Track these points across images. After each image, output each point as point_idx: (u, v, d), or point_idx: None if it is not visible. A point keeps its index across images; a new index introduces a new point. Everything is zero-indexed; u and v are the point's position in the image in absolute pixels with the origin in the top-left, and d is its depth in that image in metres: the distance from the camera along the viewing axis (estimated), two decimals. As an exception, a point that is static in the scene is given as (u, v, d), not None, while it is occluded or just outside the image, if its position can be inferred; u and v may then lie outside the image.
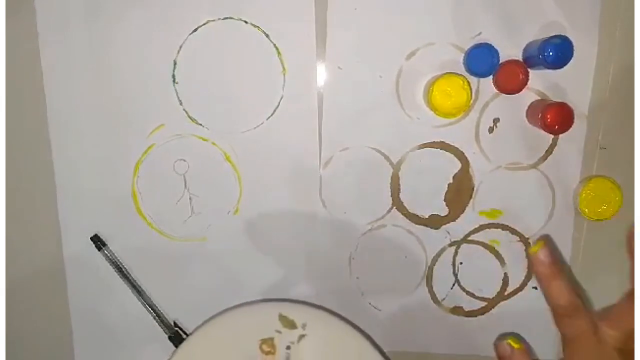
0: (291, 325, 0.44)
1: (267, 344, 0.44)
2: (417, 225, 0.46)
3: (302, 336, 0.44)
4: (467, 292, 0.47)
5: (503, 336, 0.40)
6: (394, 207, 0.46)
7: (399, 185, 0.45)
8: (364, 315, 0.48)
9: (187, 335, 0.47)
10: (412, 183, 0.45)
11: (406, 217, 0.46)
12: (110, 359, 0.49)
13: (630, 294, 0.35)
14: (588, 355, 0.36)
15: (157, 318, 0.47)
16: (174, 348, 0.47)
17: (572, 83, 0.43)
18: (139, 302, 0.47)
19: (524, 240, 0.46)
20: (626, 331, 0.35)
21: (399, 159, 0.45)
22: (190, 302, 0.48)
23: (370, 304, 0.47)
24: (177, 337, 0.47)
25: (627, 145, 0.43)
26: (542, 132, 0.42)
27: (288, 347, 0.44)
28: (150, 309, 0.47)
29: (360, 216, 0.46)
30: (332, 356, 0.44)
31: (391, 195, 0.46)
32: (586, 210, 0.43)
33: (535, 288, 0.47)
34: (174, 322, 0.48)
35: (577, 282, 0.46)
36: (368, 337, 0.44)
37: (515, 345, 0.38)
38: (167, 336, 0.47)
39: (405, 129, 0.44)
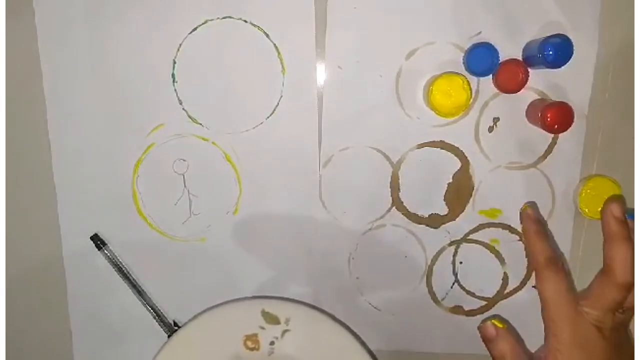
0: (274, 321, 0.45)
1: (251, 340, 0.45)
2: (416, 225, 0.47)
3: (285, 331, 0.45)
4: (467, 292, 0.48)
5: (487, 319, 0.42)
6: (394, 207, 0.46)
7: (398, 184, 0.45)
8: (364, 315, 0.48)
9: None
10: (412, 182, 0.46)
11: (406, 216, 0.46)
12: (110, 358, 0.50)
13: (603, 272, 0.37)
14: (565, 319, 0.36)
15: (156, 317, 0.47)
16: None
17: (572, 82, 0.43)
18: (139, 302, 0.47)
19: (524, 240, 0.46)
20: (604, 309, 0.36)
21: (398, 159, 0.45)
22: (190, 301, 0.48)
23: (369, 303, 0.48)
24: None
25: (627, 144, 0.44)
26: (542, 131, 0.42)
27: (272, 343, 0.45)
28: (149, 308, 0.47)
29: (359, 216, 0.47)
30: (316, 351, 0.44)
31: (391, 195, 0.46)
32: (586, 209, 0.43)
33: (535, 287, 0.47)
34: (174, 322, 0.48)
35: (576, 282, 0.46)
36: (352, 332, 0.45)
37: (500, 325, 0.40)
38: (167, 336, 0.47)
39: (405, 128, 0.45)
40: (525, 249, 0.44)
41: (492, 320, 0.40)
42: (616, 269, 0.36)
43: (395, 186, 0.45)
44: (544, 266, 0.39)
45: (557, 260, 0.39)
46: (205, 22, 0.44)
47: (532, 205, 0.44)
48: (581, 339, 0.37)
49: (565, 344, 0.37)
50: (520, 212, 0.44)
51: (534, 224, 0.41)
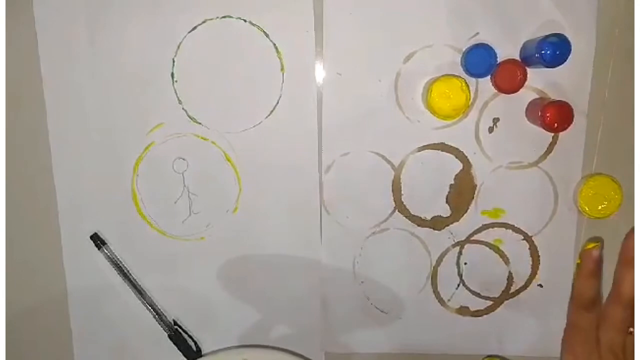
0: None
1: None
2: (420, 227, 0.48)
3: None
4: (473, 292, 0.49)
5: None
6: (397, 210, 0.48)
7: (400, 188, 0.47)
8: (370, 318, 0.50)
9: (186, 333, 0.50)
10: (414, 185, 0.48)
11: (409, 219, 0.48)
12: (110, 357, 0.52)
13: (612, 294, 0.38)
14: (585, 347, 0.36)
15: (156, 316, 0.50)
16: (173, 346, 0.49)
17: (571, 81, 0.45)
18: (138, 301, 0.49)
19: (528, 239, 0.48)
20: (616, 329, 0.36)
21: (399, 162, 0.47)
22: (190, 301, 0.50)
23: (376, 307, 0.50)
24: (176, 335, 0.50)
25: (628, 141, 0.45)
26: (543, 130, 0.43)
27: None
28: (149, 307, 0.50)
29: (363, 220, 0.48)
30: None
31: (393, 198, 0.48)
32: (586, 208, 0.44)
33: (541, 286, 0.47)
34: (174, 321, 0.50)
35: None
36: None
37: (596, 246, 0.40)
38: (166, 335, 0.50)
39: (405, 131, 0.47)
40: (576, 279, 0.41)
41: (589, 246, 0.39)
42: (623, 288, 0.37)
43: (397, 189, 0.46)
44: (583, 306, 0.39)
45: (598, 302, 0.39)
46: (205, 21, 0.46)
47: (600, 242, 0.41)
48: None
49: None
50: (584, 249, 0.40)
51: (593, 264, 0.39)
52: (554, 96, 0.45)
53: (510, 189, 0.47)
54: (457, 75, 0.43)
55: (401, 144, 0.46)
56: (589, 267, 0.39)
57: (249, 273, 0.49)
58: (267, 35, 0.45)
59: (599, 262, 0.39)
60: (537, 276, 0.48)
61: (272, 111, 0.46)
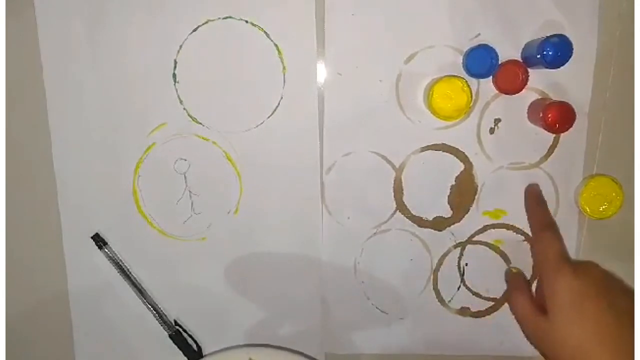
0: None
1: None
2: (421, 228, 0.49)
3: None
4: (474, 293, 0.50)
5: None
6: (398, 211, 0.48)
7: (402, 188, 0.47)
8: (371, 319, 0.50)
9: (187, 333, 0.50)
10: (415, 186, 0.48)
11: (410, 220, 0.48)
12: (111, 357, 0.52)
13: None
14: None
15: (157, 316, 0.50)
16: (174, 347, 0.50)
17: (573, 82, 0.46)
18: (140, 301, 0.50)
19: (529, 240, 0.47)
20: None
21: (401, 163, 0.47)
22: (191, 301, 0.50)
23: (377, 307, 0.50)
24: (177, 335, 0.50)
25: (629, 143, 0.46)
26: (544, 131, 0.43)
27: None
28: (150, 307, 0.50)
29: (364, 221, 0.49)
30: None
31: (394, 199, 0.48)
32: (587, 209, 0.44)
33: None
34: (175, 321, 0.50)
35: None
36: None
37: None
38: (167, 335, 0.50)
39: (407, 132, 0.47)
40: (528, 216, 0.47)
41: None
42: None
43: (398, 190, 0.46)
44: (543, 229, 0.43)
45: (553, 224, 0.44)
46: (207, 22, 0.46)
47: (536, 185, 0.47)
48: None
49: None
50: (525, 190, 0.47)
51: (536, 195, 0.46)
52: (555, 97, 0.45)
53: (512, 190, 0.47)
54: (458, 76, 0.43)
55: (402, 145, 0.47)
56: (534, 197, 0.45)
57: (250, 273, 0.49)
58: (268, 36, 0.45)
59: (539, 193, 0.45)
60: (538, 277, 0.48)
61: (273, 112, 0.47)
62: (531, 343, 0.41)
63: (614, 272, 0.39)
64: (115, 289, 0.50)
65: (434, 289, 0.49)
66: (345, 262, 0.49)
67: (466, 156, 0.47)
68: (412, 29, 0.45)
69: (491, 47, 0.43)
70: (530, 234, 0.47)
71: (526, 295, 0.41)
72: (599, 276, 0.39)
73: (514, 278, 0.45)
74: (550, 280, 0.39)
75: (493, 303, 0.49)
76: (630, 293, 0.39)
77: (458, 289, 0.49)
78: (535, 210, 0.45)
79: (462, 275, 0.49)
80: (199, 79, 0.46)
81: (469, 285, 0.49)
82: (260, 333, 0.50)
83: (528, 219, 0.46)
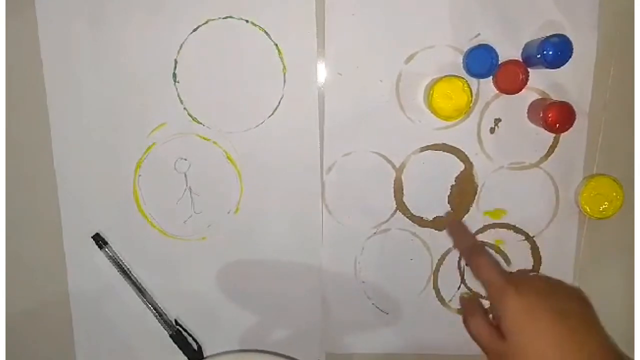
0: None
1: None
2: (421, 228, 0.49)
3: None
4: (474, 293, 0.49)
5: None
6: (398, 211, 0.49)
7: (402, 188, 0.47)
8: (372, 318, 0.50)
9: (188, 333, 0.50)
10: (416, 186, 0.48)
11: (410, 219, 0.48)
12: (111, 357, 0.52)
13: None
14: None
15: (157, 316, 0.50)
16: (175, 346, 0.50)
17: (573, 82, 0.46)
18: (140, 301, 0.50)
19: (529, 239, 0.49)
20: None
21: (401, 162, 0.47)
22: (192, 300, 0.50)
23: (377, 307, 0.50)
24: (178, 335, 0.50)
25: (629, 143, 0.46)
26: (544, 131, 0.44)
27: None
28: (151, 307, 0.50)
29: (364, 220, 0.49)
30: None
31: (395, 199, 0.48)
32: (588, 208, 0.44)
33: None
34: (175, 321, 0.50)
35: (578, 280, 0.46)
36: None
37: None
38: (168, 334, 0.50)
39: (407, 132, 0.47)
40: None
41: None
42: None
43: (398, 190, 0.47)
44: (475, 255, 0.42)
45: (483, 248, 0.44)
46: (207, 22, 0.46)
47: (450, 213, 0.48)
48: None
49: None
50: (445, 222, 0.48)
51: (455, 224, 0.47)
52: (555, 97, 0.45)
53: (512, 190, 0.47)
54: (458, 76, 0.43)
55: (403, 145, 0.47)
56: (453, 227, 0.46)
57: (251, 273, 0.50)
58: (268, 36, 0.46)
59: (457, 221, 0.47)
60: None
61: (273, 111, 0.47)
62: None
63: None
64: (115, 289, 0.50)
65: (434, 288, 0.49)
66: (345, 262, 0.49)
67: (466, 156, 0.47)
68: (412, 29, 0.45)
69: (491, 47, 0.43)
70: (530, 234, 0.47)
71: (481, 321, 0.40)
72: (542, 287, 0.39)
73: (467, 304, 0.43)
74: (499, 305, 0.38)
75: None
76: (574, 293, 0.39)
77: (458, 289, 0.49)
78: (461, 239, 0.46)
79: (462, 275, 0.49)
80: (199, 78, 0.47)
81: (469, 285, 0.49)
82: (259, 332, 0.50)
83: (455, 247, 0.47)
